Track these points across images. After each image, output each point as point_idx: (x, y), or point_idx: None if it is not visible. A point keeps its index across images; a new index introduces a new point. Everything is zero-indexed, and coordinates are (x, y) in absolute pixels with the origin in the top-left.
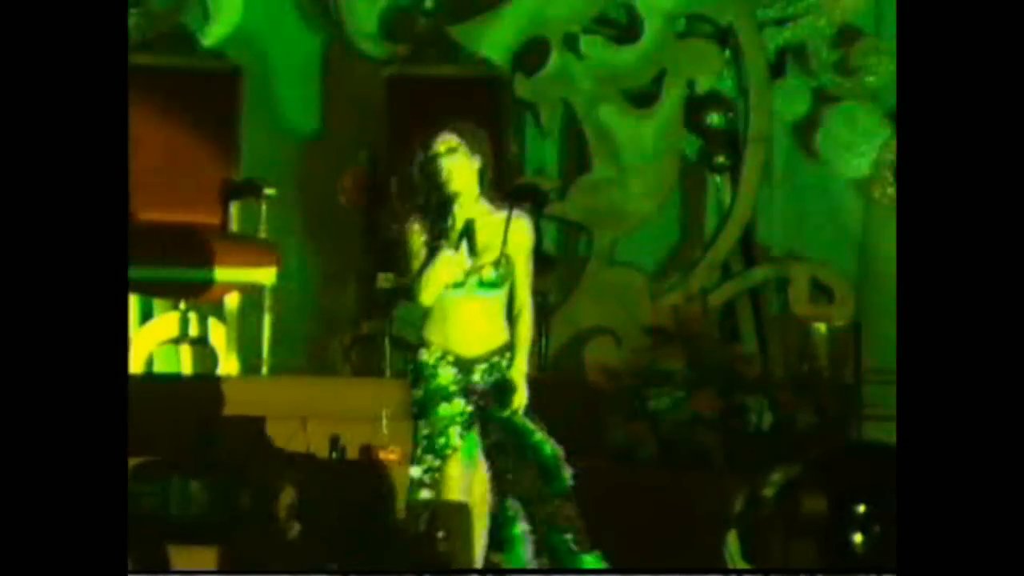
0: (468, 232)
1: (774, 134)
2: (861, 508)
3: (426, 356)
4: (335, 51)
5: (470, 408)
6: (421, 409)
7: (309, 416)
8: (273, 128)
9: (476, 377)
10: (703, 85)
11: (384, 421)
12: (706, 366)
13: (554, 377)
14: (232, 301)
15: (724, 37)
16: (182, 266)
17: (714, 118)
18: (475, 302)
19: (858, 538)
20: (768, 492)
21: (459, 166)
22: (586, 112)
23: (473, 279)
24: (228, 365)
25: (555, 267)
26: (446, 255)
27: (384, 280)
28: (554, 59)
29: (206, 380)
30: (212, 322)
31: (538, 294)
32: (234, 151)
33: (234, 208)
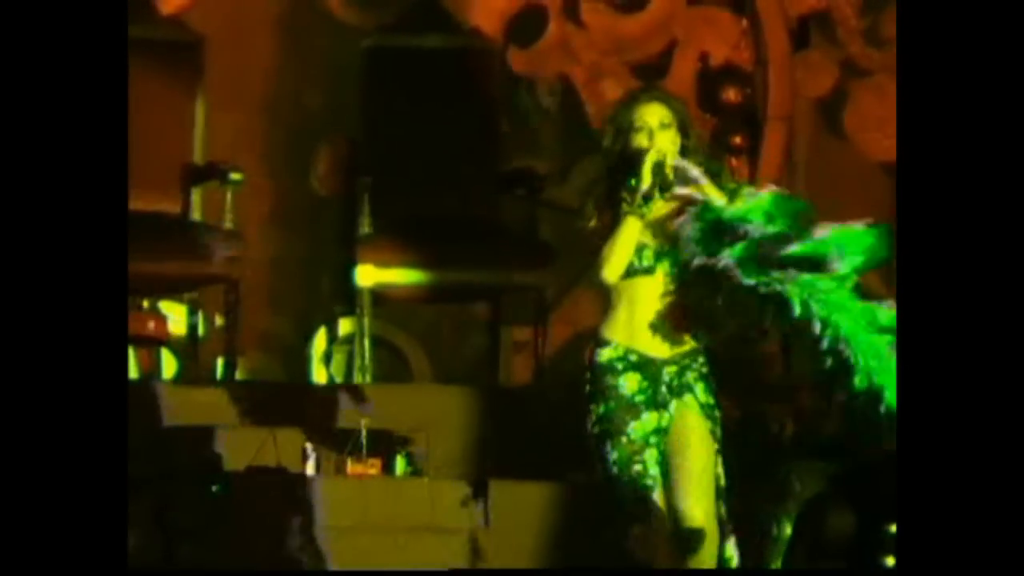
0: (660, 175)
1: (797, 112)
2: (894, 528)
3: (604, 357)
4: (308, 18)
5: (665, 421)
6: (604, 429)
7: (279, 426)
8: (239, 105)
9: (664, 384)
10: (718, 57)
11: (363, 432)
12: (721, 369)
13: (552, 383)
14: (193, 297)
15: (741, 4)
16: (136, 259)
17: (730, 94)
18: (667, 286)
19: (891, 561)
20: (791, 510)
21: (667, 142)
22: (588, 87)
23: (666, 260)
24: (187, 369)
25: (553, 259)
26: (632, 220)
27: (363, 275)
28: (552, 28)
29: (163, 385)
30: (170, 321)
31: (533, 289)
32: (195, 130)
33: (195, 194)
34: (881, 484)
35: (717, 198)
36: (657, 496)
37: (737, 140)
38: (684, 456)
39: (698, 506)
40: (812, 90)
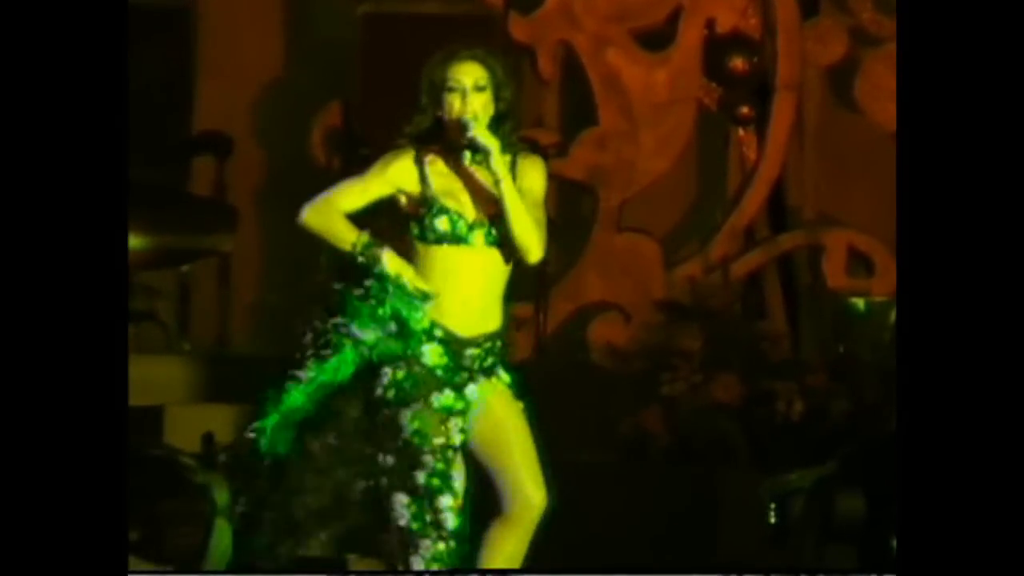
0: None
1: (806, 81)
2: None
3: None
4: None
5: (461, 404)
6: (402, 396)
7: None
8: (231, 73)
9: (466, 368)
10: (725, 24)
11: None
12: (728, 346)
13: (554, 359)
14: (185, 271)
15: None
16: (128, 230)
17: (737, 63)
18: (482, 260)
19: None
20: (798, 490)
21: (480, 106)
22: (591, 56)
23: (478, 231)
24: (179, 344)
25: (556, 233)
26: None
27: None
28: None
29: (154, 361)
30: (161, 295)
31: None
32: (187, 100)
33: (188, 165)
34: (890, 464)
35: (502, 172)
36: (457, 473)
37: (744, 110)
38: (507, 441)
39: (538, 490)
40: (822, 59)
